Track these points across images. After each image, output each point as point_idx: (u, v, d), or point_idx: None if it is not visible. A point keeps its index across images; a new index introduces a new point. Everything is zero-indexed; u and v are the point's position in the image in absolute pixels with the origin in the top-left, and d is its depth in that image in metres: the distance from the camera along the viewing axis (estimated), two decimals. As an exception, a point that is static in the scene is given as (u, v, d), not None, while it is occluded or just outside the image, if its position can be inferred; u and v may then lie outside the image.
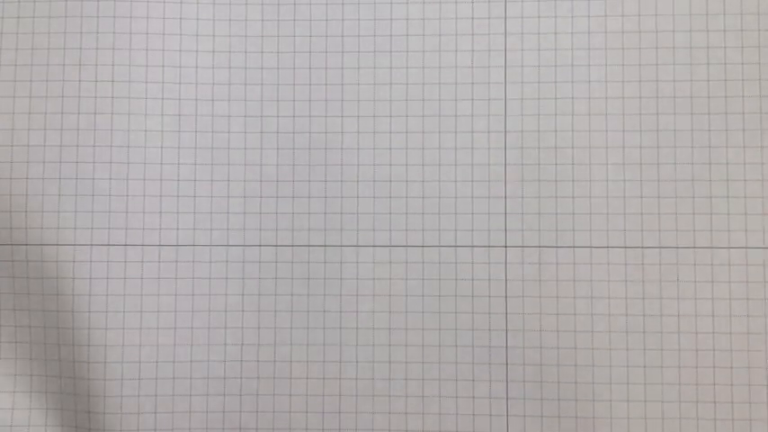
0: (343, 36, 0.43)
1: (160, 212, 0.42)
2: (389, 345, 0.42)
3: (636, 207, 0.42)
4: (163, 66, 0.43)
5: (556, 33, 0.43)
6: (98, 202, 0.42)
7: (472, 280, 0.42)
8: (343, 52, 0.43)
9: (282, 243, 0.42)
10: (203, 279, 0.42)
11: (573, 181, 0.42)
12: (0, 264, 0.42)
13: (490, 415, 0.41)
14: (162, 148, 0.42)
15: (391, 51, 0.43)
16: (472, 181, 0.42)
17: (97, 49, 0.42)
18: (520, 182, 0.42)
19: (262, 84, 0.43)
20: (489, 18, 0.43)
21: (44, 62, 0.42)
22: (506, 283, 0.42)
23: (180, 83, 0.43)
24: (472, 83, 0.42)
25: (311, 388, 0.42)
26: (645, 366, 0.41)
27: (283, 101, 0.43)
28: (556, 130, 0.42)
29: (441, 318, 0.42)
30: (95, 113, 0.42)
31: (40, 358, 0.42)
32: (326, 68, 0.43)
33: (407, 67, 0.43)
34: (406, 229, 0.42)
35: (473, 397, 0.42)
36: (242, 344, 0.42)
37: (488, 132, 0.42)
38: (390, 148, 0.42)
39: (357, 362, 0.42)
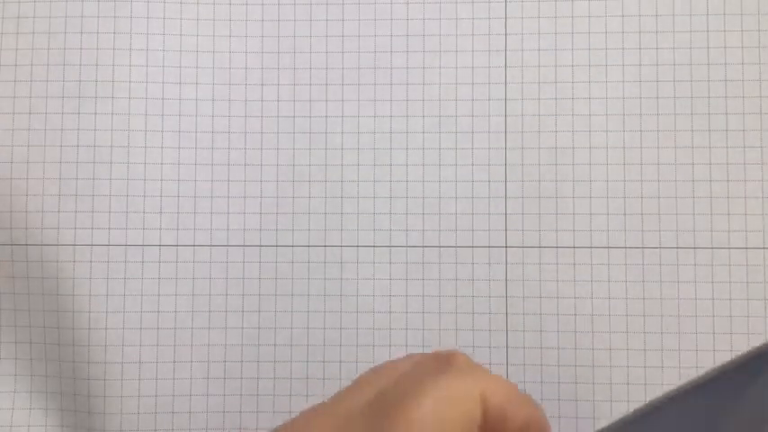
0: (343, 36, 0.43)
1: (160, 213, 0.42)
2: (390, 345, 0.42)
3: (636, 207, 0.42)
4: (163, 66, 0.43)
5: (556, 34, 0.43)
6: (98, 202, 0.42)
7: (473, 280, 0.42)
8: (343, 52, 0.43)
9: (283, 243, 0.42)
10: (204, 279, 0.42)
11: (573, 181, 0.42)
12: (0, 264, 0.42)
13: (490, 415, 0.41)
14: (162, 148, 0.42)
15: (391, 51, 0.43)
16: (472, 181, 0.42)
17: (97, 49, 0.42)
18: (520, 182, 0.42)
19: (262, 84, 0.43)
20: (489, 18, 0.43)
21: (44, 62, 0.42)
22: (507, 283, 0.42)
23: (180, 83, 0.43)
24: (472, 83, 0.42)
25: (311, 388, 0.42)
26: (645, 367, 0.41)
27: (284, 101, 0.43)
28: (556, 131, 0.42)
29: (441, 318, 0.42)
30: (95, 113, 0.42)
31: (41, 358, 0.42)
32: (327, 69, 0.43)
33: (408, 68, 0.43)
34: (407, 230, 0.42)
35: (473, 397, 0.42)
36: (242, 344, 0.42)
37: (489, 132, 0.42)
38: (391, 149, 0.42)
39: (357, 362, 0.42)
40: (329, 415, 0.23)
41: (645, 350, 0.41)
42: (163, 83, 0.43)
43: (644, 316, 0.41)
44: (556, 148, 0.42)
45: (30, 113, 0.42)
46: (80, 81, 0.42)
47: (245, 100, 0.43)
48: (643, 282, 0.42)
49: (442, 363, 0.23)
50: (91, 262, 0.42)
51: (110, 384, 0.41)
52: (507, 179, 0.42)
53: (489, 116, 0.42)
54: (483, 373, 0.23)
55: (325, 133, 0.43)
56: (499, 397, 0.23)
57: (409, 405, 0.21)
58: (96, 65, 0.42)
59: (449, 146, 0.42)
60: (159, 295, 0.42)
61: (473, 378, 0.22)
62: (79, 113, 0.42)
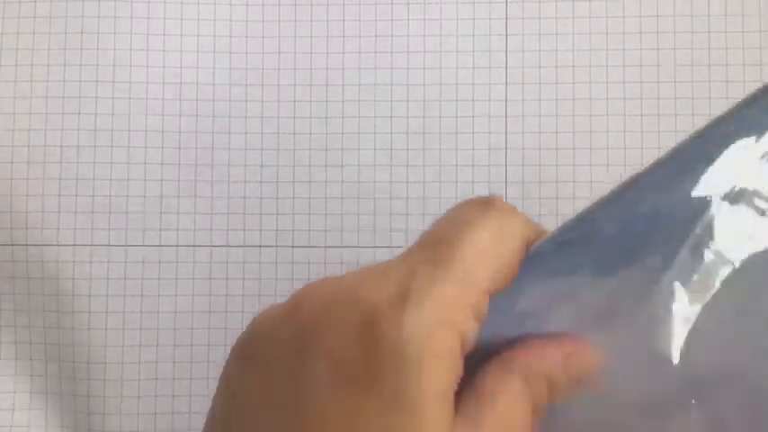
0: (344, 36, 0.43)
1: (160, 213, 0.42)
2: (390, 346, 0.42)
3: (637, 208, 0.42)
4: (164, 66, 0.43)
5: (557, 34, 0.42)
6: (98, 202, 0.42)
7: (473, 281, 0.42)
8: (343, 53, 0.43)
9: (283, 244, 0.42)
10: (203, 280, 0.42)
11: (574, 182, 0.42)
12: (0, 264, 0.42)
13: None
14: (162, 148, 0.42)
15: (392, 52, 0.43)
16: (473, 182, 0.42)
17: (98, 49, 0.42)
18: (521, 183, 0.42)
19: (262, 84, 0.43)
20: (490, 19, 0.43)
21: (45, 62, 0.42)
22: (507, 284, 0.42)
23: (180, 83, 0.43)
24: (473, 84, 0.42)
25: (311, 389, 0.42)
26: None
27: (284, 101, 0.43)
28: (557, 132, 0.42)
29: (441, 319, 0.42)
30: (96, 114, 0.42)
31: (41, 358, 0.42)
32: (327, 69, 0.43)
33: (408, 68, 0.43)
34: (407, 230, 0.42)
35: (473, 398, 0.42)
36: (242, 344, 0.42)
37: (489, 133, 0.42)
38: (391, 149, 0.42)
39: (357, 363, 0.42)
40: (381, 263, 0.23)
41: (645, 351, 0.41)
42: (163, 83, 0.42)
43: (644, 317, 0.41)
44: (557, 148, 0.42)
45: (30, 113, 0.42)
46: (80, 81, 0.42)
47: (246, 100, 0.43)
48: (643, 283, 0.42)
49: (483, 204, 0.23)
50: (91, 262, 0.42)
51: (110, 384, 0.41)
52: (508, 180, 0.42)
53: (490, 117, 0.42)
54: (522, 215, 0.23)
55: (326, 134, 0.43)
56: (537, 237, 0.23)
57: (463, 239, 0.21)
58: (97, 65, 0.42)
59: (449, 147, 0.42)
60: (159, 296, 0.42)
61: (516, 218, 0.23)
62: (80, 114, 0.42)
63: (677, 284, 0.23)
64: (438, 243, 0.21)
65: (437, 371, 0.19)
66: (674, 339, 0.23)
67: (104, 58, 0.42)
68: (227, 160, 0.42)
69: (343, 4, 0.43)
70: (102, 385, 0.41)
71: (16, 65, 0.43)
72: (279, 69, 0.43)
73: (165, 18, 0.43)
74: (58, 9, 0.43)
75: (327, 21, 0.43)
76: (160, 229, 0.42)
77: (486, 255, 0.21)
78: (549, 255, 0.23)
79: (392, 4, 0.43)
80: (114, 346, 0.42)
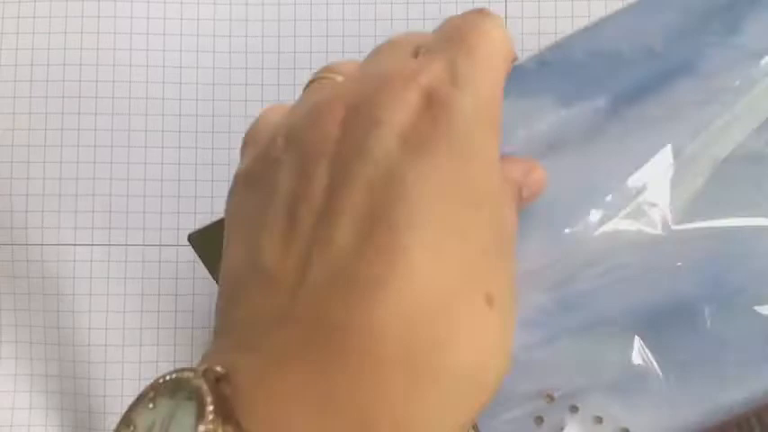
0: (343, 36, 0.43)
1: (161, 212, 0.42)
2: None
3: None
4: (164, 66, 0.43)
5: (556, 34, 0.43)
6: (99, 201, 0.42)
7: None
8: (343, 53, 0.43)
9: (283, 243, 0.42)
10: (204, 279, 0.42)
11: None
12: (0, 264, 0.42)
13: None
14: (163, 148, 0.42)
15: (392, 51, 0.43)
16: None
17: (98, 49, 0.42)
18: (520, 182, 0.42)
19: (262, 84, 0.43)
20: (490, 18, 0.43)
21: (44, 62, 0.42)
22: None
23: (181, 83, 0.43)
24: (472, 83, 0.42)
25: (312, 388, 0.42)
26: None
27: (283, 101, 0.43)
28: (556, 131, 0.42)
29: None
30: (96, 114, 0.42)
31: (41, 358, 0.42)
32: (327, 69, 0.43)
33: (408, 68, 0.43)
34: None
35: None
36: (242, 344, 0.42)
37: (489, 133, 0.42)
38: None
39: (357, 362, 0.42)
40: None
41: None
42: (163, 83, 0.42)
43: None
44: (555, 148, 0.42)
45: (30, 113, 0.42)
46: (80, 81, 0.42)
47: (246, 100, 0.43)
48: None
49: (483, 12, 0.25)
50: (91, 261, 0.42)
51: (110, 384, 0.41)
52: (507, 179, 0.42)
53: (489, 116, 0.42)
54: None
55: (326, 133, 0.43)
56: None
57: (484, 34, 0.24)
58: (96, 65, 0.42)
59: (449, 146, 0.42)
60: (159, 295, 0.42)
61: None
62: (79, 113, 0.42)
63: (626, 126, 0.24)
64: (461, 38, 0.24)
65: (493, 130, 0.22)
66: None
67: (104, 58, 0.42)
68: (228, 160, 0.42)
69: (343, 4, 0.43)
70: (102, 384, 0.41)
71: (16, 65, 0.43)
72: (278, 69, 0.43)
73: (164, 18, 0.43)
74: (58, 9, 0.43)
75: (327, 20, 0.43)
76: (160, 229, 0.42)
77: (501, 51, 0.24)
78: (526, 73, 0.25)
79: (392, 3, 0.43)
80: (114, 346, 0.42)
